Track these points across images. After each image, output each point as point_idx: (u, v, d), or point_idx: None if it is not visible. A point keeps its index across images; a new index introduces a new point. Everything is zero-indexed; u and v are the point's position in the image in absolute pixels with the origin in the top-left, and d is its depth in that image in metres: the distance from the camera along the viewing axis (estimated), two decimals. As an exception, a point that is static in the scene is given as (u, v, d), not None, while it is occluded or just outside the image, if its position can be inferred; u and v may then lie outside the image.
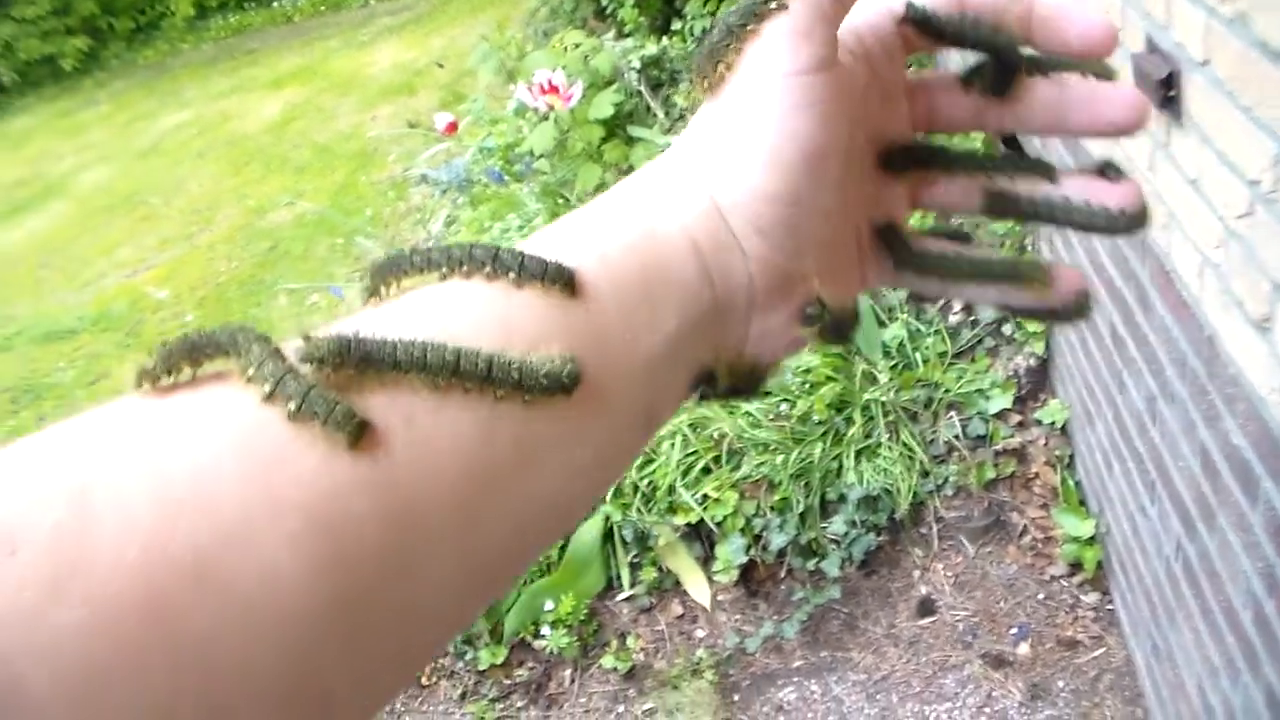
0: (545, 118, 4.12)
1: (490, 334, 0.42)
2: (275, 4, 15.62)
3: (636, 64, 4.81)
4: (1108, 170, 0.53)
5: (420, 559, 0.39)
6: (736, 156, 0.49)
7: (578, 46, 4.88)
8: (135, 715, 0.32)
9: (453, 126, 4.57)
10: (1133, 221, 0.52)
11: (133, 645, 0.32)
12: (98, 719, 0.32)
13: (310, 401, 0.37)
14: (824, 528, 3.21)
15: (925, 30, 0.53)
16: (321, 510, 0.36)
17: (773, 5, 0.49)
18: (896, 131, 0.56)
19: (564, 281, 0.44)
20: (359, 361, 0.39)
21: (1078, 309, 0.55)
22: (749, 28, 0.49)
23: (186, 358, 0.39)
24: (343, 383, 0.39)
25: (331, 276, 6.09)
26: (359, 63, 10.73)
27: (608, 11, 6.08)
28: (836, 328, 0.52)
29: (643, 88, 4.75)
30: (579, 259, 0.45)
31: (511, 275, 0.44)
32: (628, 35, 5.66)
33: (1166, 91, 1.93)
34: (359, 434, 0.37)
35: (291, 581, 0.35)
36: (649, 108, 4.70)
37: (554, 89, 3.79)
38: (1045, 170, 0.54)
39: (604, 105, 4.35)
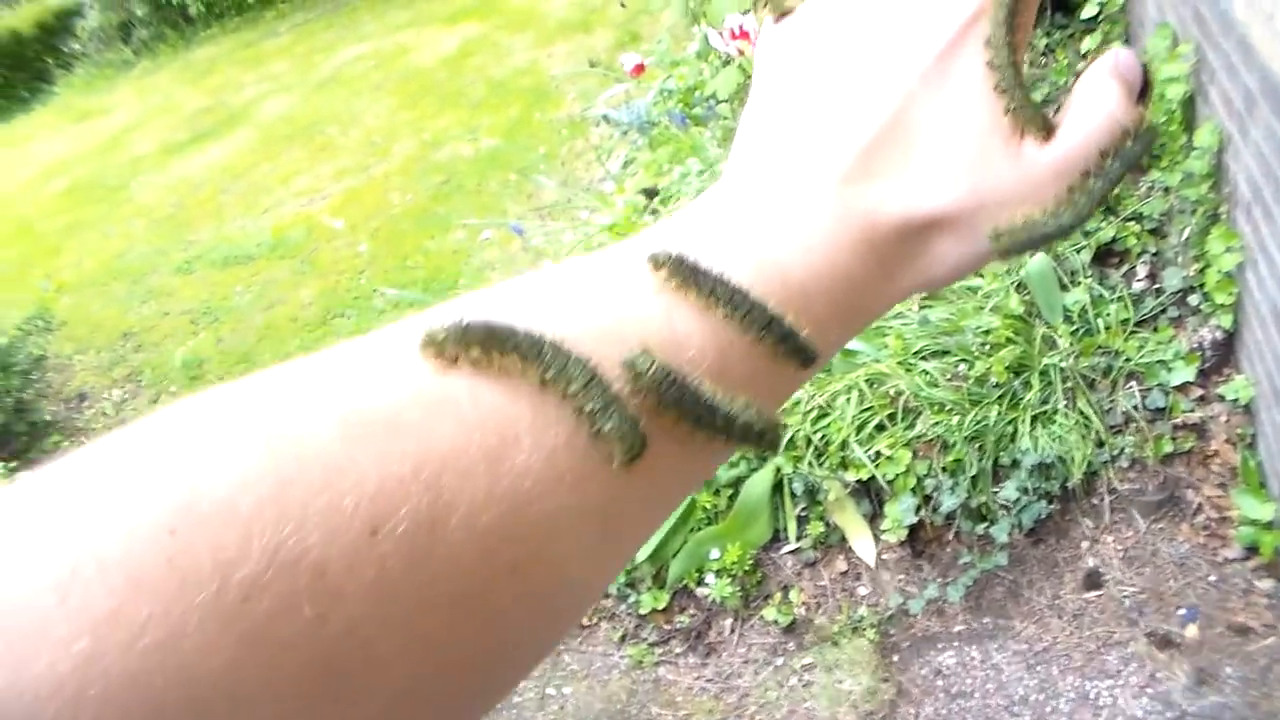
0: (728, 62, 4.09)
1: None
2: (453, -60, 15.77)
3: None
4: None
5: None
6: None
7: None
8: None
9: (639, 69, 4.57)
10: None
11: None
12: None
13: (622, 427, 0.40)
14: (995, 492, 3.18)
15: None
16: (612, 522, 0.42)
17: None
18: None
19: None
20: (664, 399, 0.42)
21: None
22: None
23: (479, 343, 0.40)
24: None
25: (505, 213, 6.15)
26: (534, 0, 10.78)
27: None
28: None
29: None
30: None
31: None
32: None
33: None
34: (640, 456, 0.41)
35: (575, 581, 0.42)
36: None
37: (745, 34, 3.75)
38: None
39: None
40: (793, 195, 0.48)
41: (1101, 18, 4.62)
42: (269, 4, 15.06)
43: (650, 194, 4.47)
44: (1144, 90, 0.51)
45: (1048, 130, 0.48)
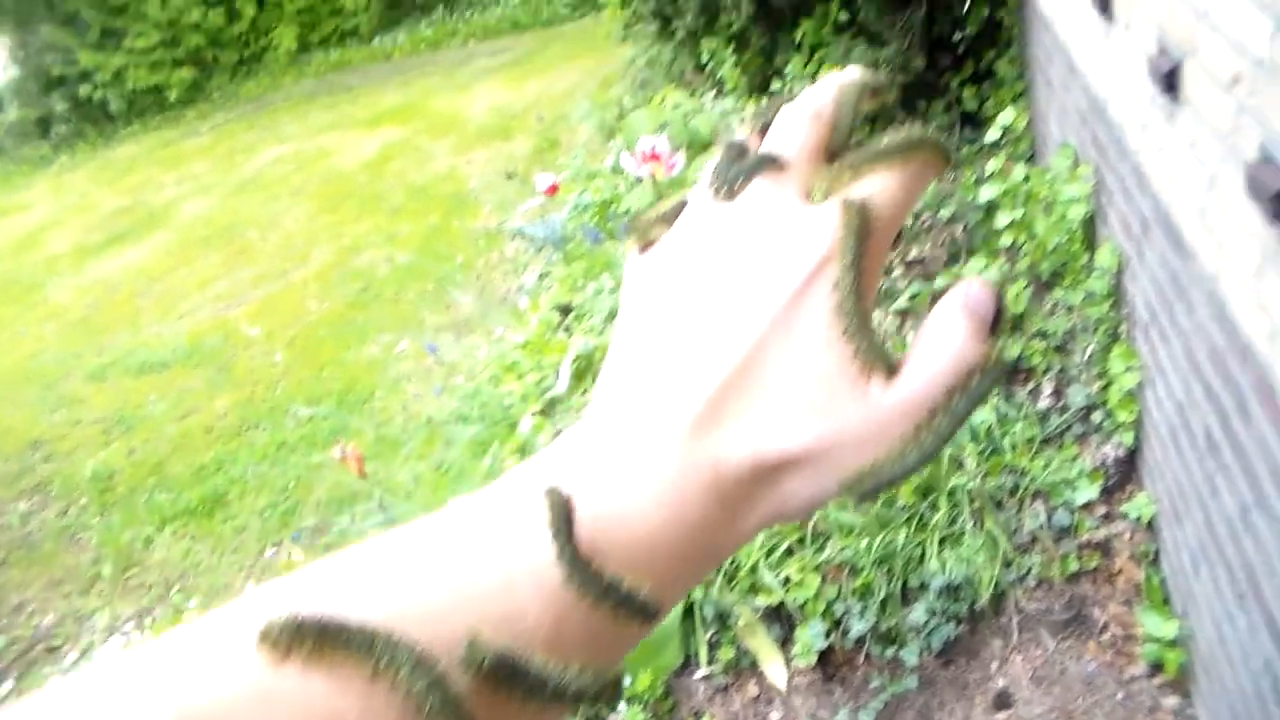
0: (643, 181, 4.14)
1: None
2: (376, 41, 15.90)
3: (736, 125, 4.83)
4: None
5: None
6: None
7: (677, 107, 4.91)
8: None
9: (554, 189, 4.61)
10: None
11: None
12: None
13: (446, 710, 0.41)
14: (904, 615, 3.19)
15: None
16: None
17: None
18: None
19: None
20: (495, 679, 0.43)
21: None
22: None
23: (313, 638, 0.41)
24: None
25: (422, 323, 6.16)
26: (457, 104, 10.86)
27: (706, 68, 6.10)
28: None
29: (741, 151, 4.76)
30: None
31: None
32: (728, 93, 5.68)
33: (1280, 207, 1.90)
34: None
35: None
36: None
37: (656, 156, 3.80)
38: None
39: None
40: (641, 445, 0.48)
41: (1005, 141, 4.74)
42: (191, 103, 15.07)
43: (564, 310, 4.49)
44: (997, 319, 0.52)
45: (893, 372, 0.49)
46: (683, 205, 0.57)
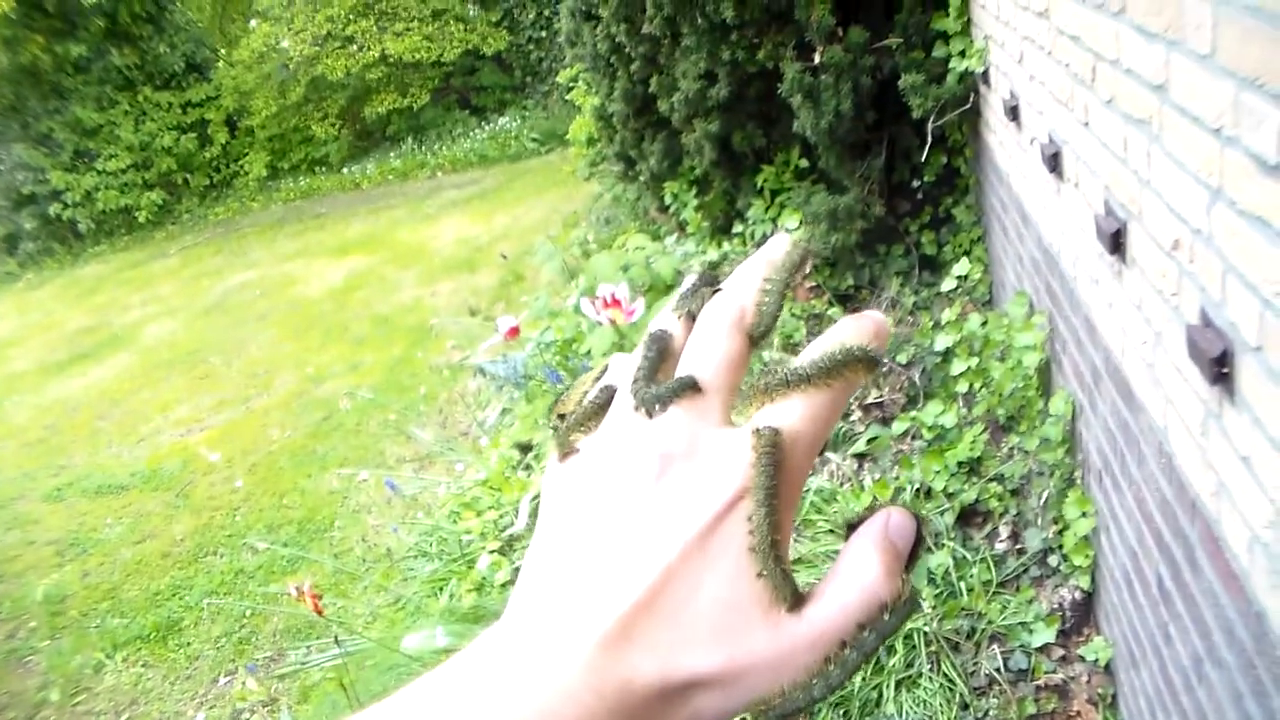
0: (603, 326, 4.18)
1: None
2: (345, 170, 16.07)
3: (697, 269, 4.90)
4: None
5: None
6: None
7: (640, 248, 4.98)
8: None
9: (514, 331, 4.64)
10: None
11: None
12: None
13: None
14: (861, 759, 3.18)
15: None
16: None
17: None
18: None
19: None
20: None
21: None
22: None
23: None
24: None
25: (383, 454, 6.16)
26: (423, 235, 10.96)
27: (670, 209, 6.20)
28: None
29: (704, 294, 4.81)
30: None
31: None
32: (690, 235, 5.77)
33: (1220, 368, 1.94)
34: None
35: None
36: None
37: (616, 303, 3.84)
38: None
39: (665, 312, 4.42)
40: (552, 657, 0.49)
41: (960, 290, 4.82)
42: (159, 225, 15.15)
43: (525, 449, 4.51)
44: (914, 550, 0.53)
45: (802, 602, 0.50)
46: (606, 399, 0.59)
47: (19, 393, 9.52)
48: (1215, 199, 1.93)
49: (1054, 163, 3.32)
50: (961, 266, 4.78)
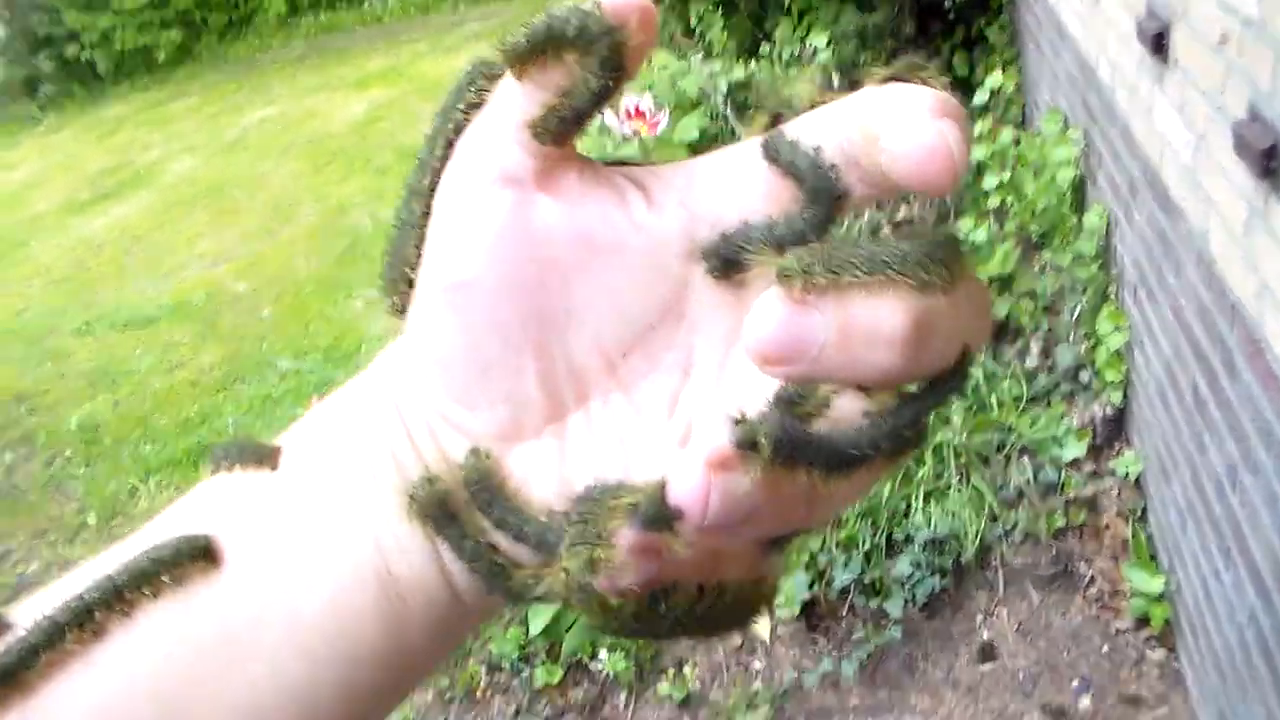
0: (627, 139, 4.12)
1: None
2: (365, 4, 15.79)
3: (723, 87, 4.81)
4: None
5: None
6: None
7: (664, 68, 4.88)
8: None
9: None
10: None
11: None
12: None
13: None
14: (889, 568, 3.19)
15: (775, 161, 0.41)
16: None
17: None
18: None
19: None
20: None
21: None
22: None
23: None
24: None
25: (408, 281, 6.13)
26: (445, 67, 10.78)
27: (696, 30, 6.06)
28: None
29: (729, 111, 4.74)
30: None
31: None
32: (716, 56, 5.65)
33: (1268, 163, 1.88)
34: None
35: None
36: (734, 131, 4.69)
37: (640, 114, 3.79)
38: None
39: (689, 128, 4.36)
40: None
41: (993, 104, 4.72)
42: (179, 64, 14.97)
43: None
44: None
45: None
46: None
47: (44, 232, 9.50)
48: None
49: (1094, -36, 3.22)
50: (994, 79, 4.66)
